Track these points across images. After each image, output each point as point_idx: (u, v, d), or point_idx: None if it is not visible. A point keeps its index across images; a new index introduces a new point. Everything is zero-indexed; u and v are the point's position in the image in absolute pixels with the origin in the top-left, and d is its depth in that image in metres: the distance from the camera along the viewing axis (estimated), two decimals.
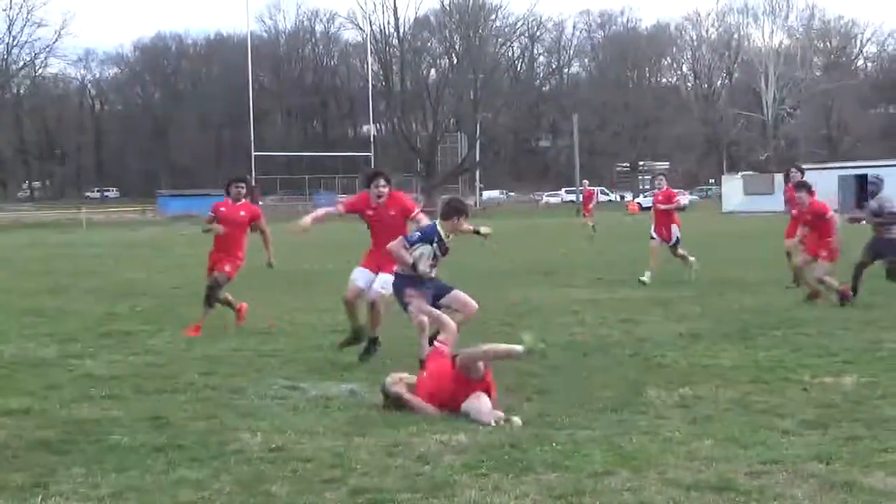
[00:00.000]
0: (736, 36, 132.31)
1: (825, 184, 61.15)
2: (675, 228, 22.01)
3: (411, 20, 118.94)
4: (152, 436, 8.87)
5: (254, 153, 79.82)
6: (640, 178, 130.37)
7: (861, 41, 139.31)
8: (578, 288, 19.62)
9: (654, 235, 22.15)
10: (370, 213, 13.21)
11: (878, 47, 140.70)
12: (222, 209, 16.28)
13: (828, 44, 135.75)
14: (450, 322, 11.00)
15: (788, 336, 14.15)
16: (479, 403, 9.42)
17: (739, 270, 22.14)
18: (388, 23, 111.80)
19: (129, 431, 9.02)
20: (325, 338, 14.85)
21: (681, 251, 21.93)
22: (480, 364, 9.65)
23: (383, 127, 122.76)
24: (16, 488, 7.44)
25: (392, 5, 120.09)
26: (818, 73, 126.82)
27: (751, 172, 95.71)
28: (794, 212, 19.47)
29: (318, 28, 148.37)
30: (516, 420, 9.19)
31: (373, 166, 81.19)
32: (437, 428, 8.97)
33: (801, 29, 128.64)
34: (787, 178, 20.88)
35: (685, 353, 12.82)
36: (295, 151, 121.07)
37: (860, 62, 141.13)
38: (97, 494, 7.26)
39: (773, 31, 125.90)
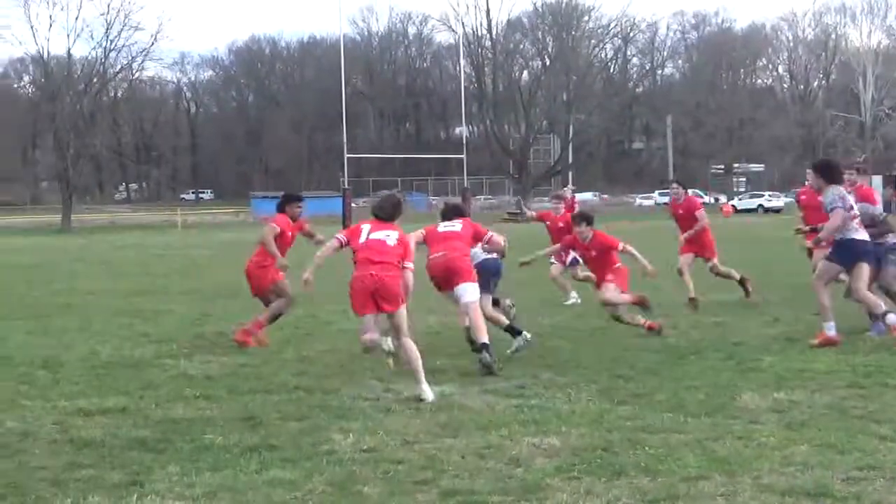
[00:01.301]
0: (833, 36, 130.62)
1: None
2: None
3: (504, 22, 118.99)
4: (246, 436, 8.95)
5: (346, 155, 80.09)
6: (734, 180, 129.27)
7: None
8: (670, 291, 19.43)
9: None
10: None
11: None
12: (289, 234, 15.03)
13: None
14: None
15: (886, 340, 13.92)
16: None
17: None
18: (481, 24, 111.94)
19: (223, 431, 9.12)
20: (417, 340, 14.86)
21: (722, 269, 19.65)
22: None
23: (476, 129, 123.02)
24: (112, 486, 7.56)
25: (485, 7, 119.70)
26: None
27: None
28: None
29: (411, 30, 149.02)
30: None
31: (465, 168, 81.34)
32: (530, 430, 8.96)
33: None
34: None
35: (780, 357, 12.67)
36: (387, 153, 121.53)
37: None
38: (192, 493, 7.35)
39: (871, 31, 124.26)
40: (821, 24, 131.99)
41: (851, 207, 13.75)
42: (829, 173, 14.10)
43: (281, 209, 15.28)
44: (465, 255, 12.80)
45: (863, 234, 13.87)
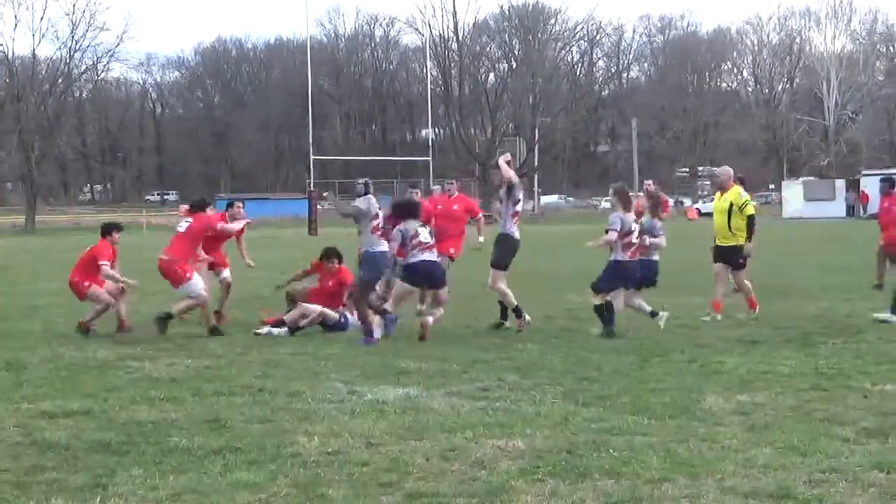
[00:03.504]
0: (797, 40, 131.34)
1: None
2: None
3: (470, 24, 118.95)
4: (210, 438, 8.93)
5: (312, 157, 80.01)
6: (699, 183, 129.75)
7: None
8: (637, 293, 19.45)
9: None
10: None
11: None
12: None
13: (891, 48, 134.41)
14: None
15: (849, 343, 14.03)
16: None
17: (801, 277, 21.96)
18: (448, 27, 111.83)
19: (188, 434, 9.09)
20: (382, 342, 14.88)
21: None
22: None
23: (442, 131, 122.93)
24: (76, 489, 7.52)
25: (451, 9, 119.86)
26: (881, 78, 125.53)
27: (812, 178, 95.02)
28: None
29: (378, 32, 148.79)
30: None
31: (431, 170, 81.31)
32: (494, 433, 8.96)
33: (863, 33, 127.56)
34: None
35: (744, 360, 12.73)
36: (354, 156, 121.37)
37: None
38: (156, 496, 7.32)
39: (835, 36, 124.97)
40: (785, 29, 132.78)
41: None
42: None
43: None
44: None
45: None
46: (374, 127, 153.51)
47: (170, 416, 9.91)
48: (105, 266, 16.56)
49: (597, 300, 15.35)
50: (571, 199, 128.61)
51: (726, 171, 17.41)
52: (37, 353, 14.22)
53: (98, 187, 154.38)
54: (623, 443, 8.56)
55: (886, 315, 15.87)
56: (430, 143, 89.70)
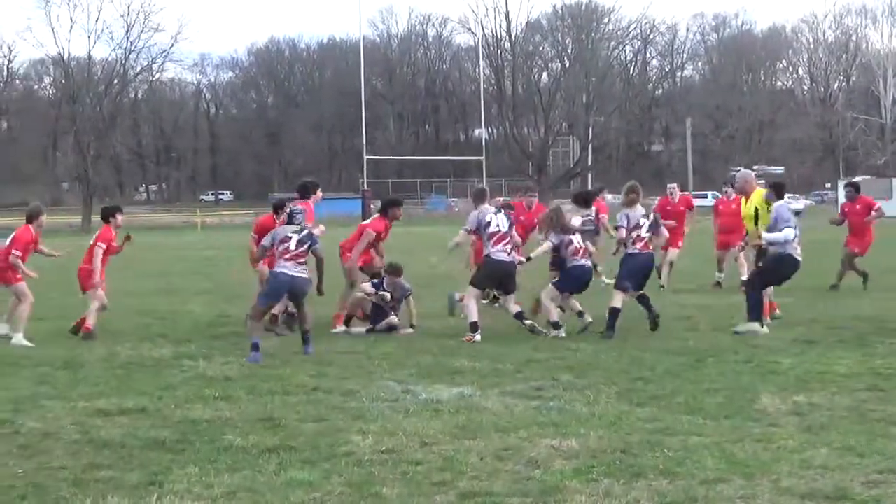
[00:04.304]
0: (854, 38, 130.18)
1: None
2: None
3: (523, 24, 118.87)
4: (264, 437, 8.97)
5: (365, 157, 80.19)
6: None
7: None
8: (689, 294, 19.43)
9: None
10: None
11: None
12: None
13: None
14: None
15: None
16: None
17: (856, 277, 21.75)
18: (500, 26, 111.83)
19: (242, 432, 9.14)
20: (435, 341, 14.90)
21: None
22: None
23: (495, 131, 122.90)
24: (132, 486, 7.58)
25: (504, 9, 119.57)
26: None
27: (868, 177, 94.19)
28: None
29: (431, 32, 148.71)
30: None
31: (484, 170, 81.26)
32: (548, 432, 8.95)
33: None
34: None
35: (800, 360, 12.64)
36: (406, 155, 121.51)
37: None
38: (211, 494, 7.37)
39: (892, 33, 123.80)
40: (841, 26, 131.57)
41: None
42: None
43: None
44: None
45: None
46: (427, 127, 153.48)
47: (224, 414, 9.96)
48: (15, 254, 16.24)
49: (616, 302, 15.42)
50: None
51: (745, 175, 17.12)
52: (93, 352, 14.34)
53: (153, 187, 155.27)
54: (677, 443, 8.53)
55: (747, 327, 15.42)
56: (483, 143, 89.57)
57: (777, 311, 16.81)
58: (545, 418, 9.57)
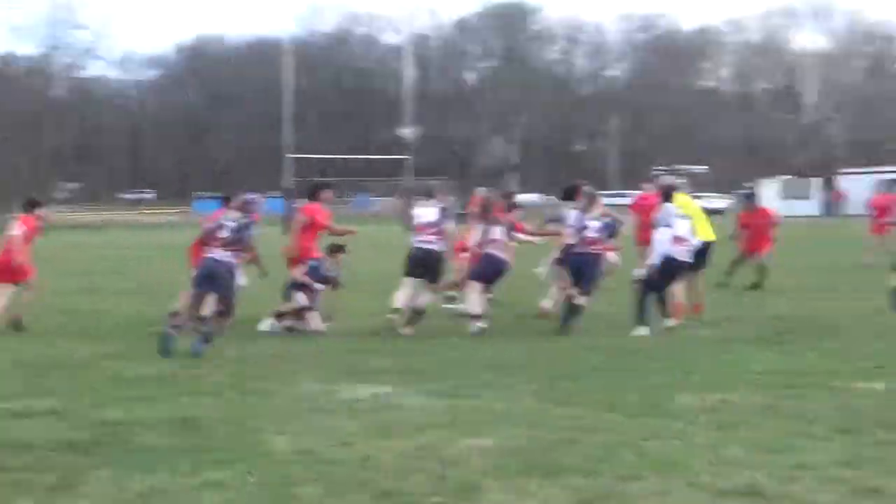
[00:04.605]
0: (778, 39, 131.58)
1: (864, 188, 60.89)
2: None
3: (451, 23, 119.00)
4: (180, 438, 8.88)
5: (290, 156, 79.91)
6: (678, 181, 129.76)
7: None
8: (607, 291, 19.47)
9: None
10: None
11: None
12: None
13: (871, 47, 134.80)
14: None
15: (821, 341, 14.08)
16: None
17: (774, 275, 21.98)
18: (428, 25, 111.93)
19: (157, 433, 9.04)
20: (355, 340, 14.88)
21: None
22: None
23: (422, 130, 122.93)
24: (44, 488, 7.48)
25: (432, 8, 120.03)
26: (860, 77, 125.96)
27: (789, 176, 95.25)
28: None
29: (358, 31, 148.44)
30: None
31: (411, 169, 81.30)
32: (466, 431, 8.94)
33: (843, 33, 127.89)
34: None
35: (716, 359, 12.77)
36: (332, 154, 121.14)
37: None
38: (124, 497, 7.28)
39: (815, 35, 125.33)
40: (766, 27, 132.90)
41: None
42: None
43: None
44: None
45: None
46: (353, 125, 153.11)
47: (139, 415, 9.83)
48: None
49: (581, 300, 15.52)
50: (552, 196, 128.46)
51: (664, 181, 17.46)
52: (8, 352, 14.15)
53: (74, 185, 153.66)
54: (594, 440, 8.56)
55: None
56: (410, 142, 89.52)
57: (697, 313, 16.93)
58: (463, 416, 9.56)
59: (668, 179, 17.35)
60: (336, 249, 16.76)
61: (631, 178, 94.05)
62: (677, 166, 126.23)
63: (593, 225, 15.77)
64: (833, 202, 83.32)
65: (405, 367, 12.45)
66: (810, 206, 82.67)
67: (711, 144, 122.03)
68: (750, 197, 22.41)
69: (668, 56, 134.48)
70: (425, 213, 16.24)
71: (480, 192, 19.16)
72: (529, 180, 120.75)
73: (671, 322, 15.54)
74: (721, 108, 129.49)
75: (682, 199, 16.51)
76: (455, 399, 10.47)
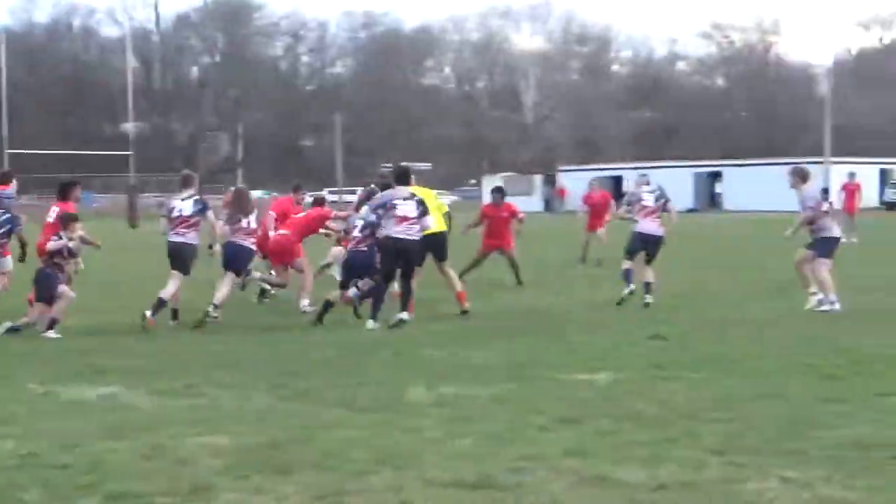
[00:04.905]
0: (497, 39, 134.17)
1: (582, 185, 62.66)
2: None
3: (173, 17, 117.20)
4: None
5: (8, 150, 77.43)
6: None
7: (616, 46, 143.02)
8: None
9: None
10: None
11: (633, 53, 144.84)
12: None
13: (585, 48, 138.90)
14: None
15: (546, 334, 14.43)
16: None
17: (500, 271, 22.43)
18: (149, 19, 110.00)
19: None
20: (80, 339, 14.53)
21: None
22: None
23: (144, 125, 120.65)
24: None
25: (152, 2, 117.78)
26: (576, 77, 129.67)
27: (511, 174, 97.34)
28: None
29: (76, 22, 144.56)
30: None
31: (132, 165, 79.76)
32: (198, 430, 8.84)
33: (559, 33, 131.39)
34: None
35: (446, 352, 12.95)
36: (52, 149, 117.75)
37: (615, 67, 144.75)
38: None
39: (533, 35, 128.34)
40: (486, 27, 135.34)
41: None
42: None
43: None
44: None
45: None
46: (73, 120, 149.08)
47: None
48: None
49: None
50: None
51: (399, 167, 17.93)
52: None
53: None
54: (327, 436, 8.57)
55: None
56: (132, 137, 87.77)
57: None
58: (195, 415, 9.45)
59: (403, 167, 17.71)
60: (70, 218, 16.53)
61: (357, 176, 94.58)
62: (402, 164, 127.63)
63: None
64: (555, 198, 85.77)
65: (134, 366, 12.22)
66: (533, 203, 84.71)
67: (435, 142, 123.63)
68: (499, 191, 22.72)
69: (391, 54, 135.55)
70: (182, 205, 16.26)
71: (239, 186, 19.36)
72: (255, 176, 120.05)
73: (405, 316, 15.70)
74: (444, 106, 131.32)
75: (422, 190, 16.74)
76: (186, 398, 10.35)
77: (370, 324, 15.39)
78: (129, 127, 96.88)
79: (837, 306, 16.43)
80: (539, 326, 15.24)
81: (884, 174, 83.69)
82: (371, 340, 14.06)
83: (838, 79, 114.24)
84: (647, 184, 19.00)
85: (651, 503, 6.88)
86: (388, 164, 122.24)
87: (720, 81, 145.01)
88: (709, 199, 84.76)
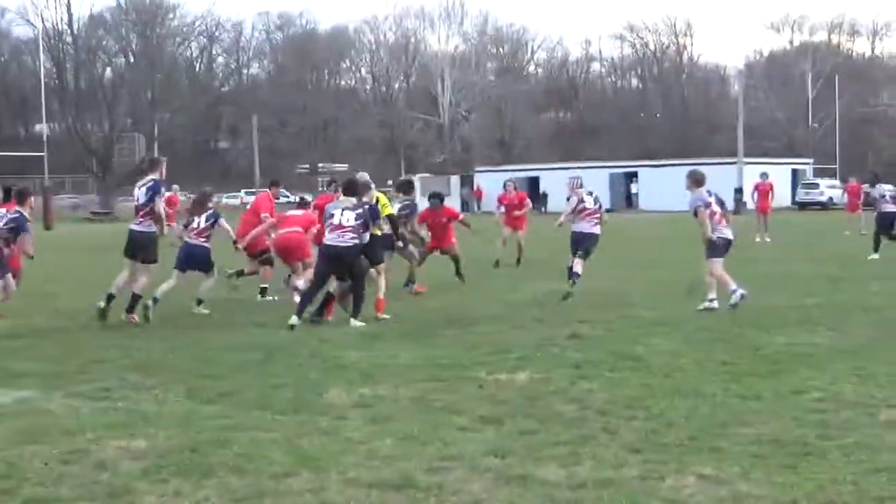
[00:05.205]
0: (413, 40, 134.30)
1: (498, 185, 62.95)
2: None
3: (85, 17, 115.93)
4: None
5: None
6: (319, 179, 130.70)
7: (532, 48, 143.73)
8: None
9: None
10: None
11: (548, 54, 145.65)
12: None
13: (501, 49, 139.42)
14: None
15: (465, 335, 14.47)
16: None
17: (419, 271, 22.42)
18: (62, 19, 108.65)
19: None
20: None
21: None
22: None
23: (57, 126, 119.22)
24: None
25: (65, 2, 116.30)
26: (492, 78, 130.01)
27: (428, 174, 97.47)
28: None
29: None
30: None
31: (46, 167, 78.78)
32: (116, 434, 8.78)
33: (475, 34, 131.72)
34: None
35: (365, 354, 12.94)
36: None
37: (531, 68, 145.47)
38: None
39: (448, 36, 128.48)
40: (401, 28, 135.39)
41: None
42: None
43: None
44: None
45: None
46: None
47: None
48: None
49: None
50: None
51: (363, 177, 18.15)
52: None
53: None
54: (246, 439, 8.56)
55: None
56: (45, 139, 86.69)
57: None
58: (112, 419, 9.39)
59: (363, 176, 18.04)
60: None
61: (275, 177, 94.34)
62: (320, 165, 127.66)
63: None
64: (472, 199, 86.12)
65: (50, 370, 12.10)
66: (450, 203, 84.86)
67: (352, 143, 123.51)
68: (437, 196, 22.81)
69: (307, 55, 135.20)
70: (137, 193, 16.57)
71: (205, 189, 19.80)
72: (171, 178, 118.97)
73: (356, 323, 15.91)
74: (361, 107, 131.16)
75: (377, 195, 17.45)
76: (104, 402, 10.28)
77: (293, 319, 15.51)
78: (43, 128, 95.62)
79: (715, 304, 16.84)
80: (460, 327, 15.27)
81: (795, 175, 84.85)
82: (291, 343, 14.00)
83: (750, 80, 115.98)
84: (582, 186, 20.06)
85: (570, 501, 6.94)
86: (303, 166, 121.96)
87: (635, 83, 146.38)
88: (625, 199, 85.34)
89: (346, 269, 16.15)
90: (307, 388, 10.77)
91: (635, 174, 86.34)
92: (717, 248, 17.18)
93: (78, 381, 11.43)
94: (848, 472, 7.43)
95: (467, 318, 16.41)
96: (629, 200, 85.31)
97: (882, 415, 9.16)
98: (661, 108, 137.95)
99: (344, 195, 16.43)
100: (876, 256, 26.56)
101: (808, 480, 7.25)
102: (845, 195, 44.86)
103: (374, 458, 7.94)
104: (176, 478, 7.50)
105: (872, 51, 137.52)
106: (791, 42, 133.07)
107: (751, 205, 42.53)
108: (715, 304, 16.82)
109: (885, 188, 28.92)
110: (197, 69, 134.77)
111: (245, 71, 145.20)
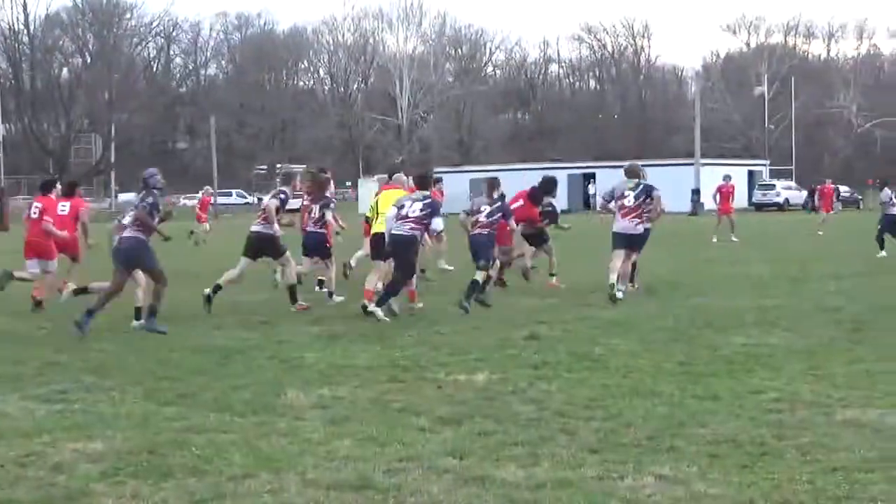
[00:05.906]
0: (371, 41, 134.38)
1: (457, 186, 63.18)
2: None
3: (42, 17, 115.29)
4: None
5: None
6: (277, 180, 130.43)
7: (490, 49, 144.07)
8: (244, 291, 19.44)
9: None
10: None
11: (506, 55, 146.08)
12: None
13: (459, 51, 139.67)
14: None
15: (424, 335, 14.47)
16: None
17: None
18: (18, 19, 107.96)
19: None
20: None
21: None
22: None
23: (13, 127, 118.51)
24: None
25: (21, 1, 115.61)
26: (450, 80, 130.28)
27: (386, 175, 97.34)
28: None
29: None
30: None
31: (1, 168, 78.31)
32: (73, 436, 8.74)
33: (433, 35, 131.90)
34: None
35: (323, 354, 12.92)
36: None
37: (489, 69, 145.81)
38: None
39: (406, 38, 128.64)
40: (359, 29, 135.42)
41: None
42: None
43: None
44: None
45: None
46: None
47: None
48: None
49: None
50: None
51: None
52: None
53: None
54: (205, 441, 8.54)
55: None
56: (1, 140, 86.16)
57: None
58: (69, 421, 9.34)
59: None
60: None
61: (233, 177, 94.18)
62: (278, 165, 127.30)
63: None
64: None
65: (6, 372, 12.02)
66: None
67: (310, 144, 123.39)
68: None
69: (265, 55, 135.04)
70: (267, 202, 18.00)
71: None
72: (127, 179, 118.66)
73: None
74: (319, 108, 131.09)
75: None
76: (59, 403, 10.20)
77: (378, 311, 16.21)
78: None
79: (620, 294, 17.89)
80: (419, 328, 15.28)
81: (752, 176, 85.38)
82: (249, 344, 13.97)
83: (707, 82, 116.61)
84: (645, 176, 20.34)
85: (529, 502, 6.96)
86: (261, 167, 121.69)
87: (593, 84, 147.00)
88: (582, 200, 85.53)
89: (401, 258, 16.72)
90: (266, 389, 10.75)
91: (593, 175, 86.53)
92: (614, 241, 18.66)
93: (34, 383, 11.35)
94: (804, 471, 7.48)
95: (427, 318, 16.42)
96: (586, 201, 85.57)
97: (838, 415, 9.23)
98: (618, 110, 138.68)
99: (417, 188, 17.36)
100: (884, 254, 27.48)
101: (764, 480, 7.30)
102: (819, 197, 45.73)
103: (333, 459, 7.94)
104: (134, 480, 7.47)
105: (828, 53, 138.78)
106: (747, 44, 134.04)
107: (711, 206, 42.77)
108: (619, 294, 17.86)
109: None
110: (154, 69, 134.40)
111: (203, 71, 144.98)
